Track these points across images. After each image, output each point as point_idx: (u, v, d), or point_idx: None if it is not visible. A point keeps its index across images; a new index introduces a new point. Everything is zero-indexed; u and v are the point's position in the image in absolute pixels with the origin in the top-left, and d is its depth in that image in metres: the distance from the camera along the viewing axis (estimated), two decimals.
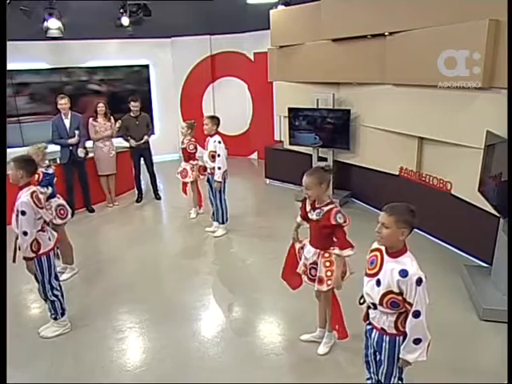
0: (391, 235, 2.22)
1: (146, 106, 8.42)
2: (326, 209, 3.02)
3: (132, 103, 6.80)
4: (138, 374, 3.23)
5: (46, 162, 4.56)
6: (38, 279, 3.56)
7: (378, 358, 2.43)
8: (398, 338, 2.30)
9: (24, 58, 8.47)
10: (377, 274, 2.29)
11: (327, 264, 3.10)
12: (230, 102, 9.92)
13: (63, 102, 6.25)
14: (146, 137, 6.88)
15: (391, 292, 2.22)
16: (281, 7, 7.55)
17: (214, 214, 5.78)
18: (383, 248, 2.32)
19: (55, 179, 4.57)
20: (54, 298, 3.64)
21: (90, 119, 6.71)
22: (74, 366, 3.34)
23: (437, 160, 5.22)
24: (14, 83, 8.74)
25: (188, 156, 6.22)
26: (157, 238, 5.98)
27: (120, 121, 6.83)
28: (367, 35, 5.65)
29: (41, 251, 3.46)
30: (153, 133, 7.07)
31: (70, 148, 6.31)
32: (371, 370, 2.54)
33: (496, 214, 3.96)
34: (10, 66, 6.43)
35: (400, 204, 2.28)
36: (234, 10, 8.62)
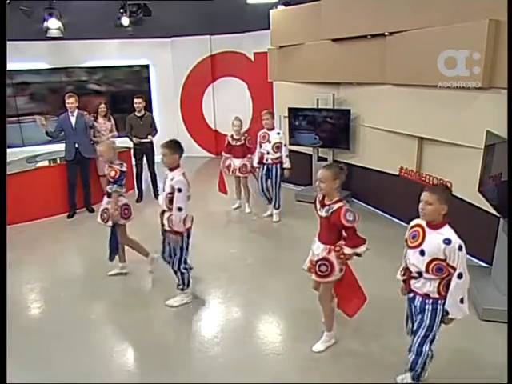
0: (434, 211, 2.58)
1: (146, 106, 8.40)
2: (335, 207, 3.10)
3: (135, 99, 6.83)
4: (137, 373, 3.23)
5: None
6: (175, 252, 3.91)
7: (417, 321, 2.73)
8: (439, 301, 2.65)
9: (24, 58, 8.47)
10: (420, 245, 2.63)
11: (341, 256, 3.16)
12: (230, 102, 9.92)
13: (71, 101, 6.31)
14: (150, 136, 6.89)
15: (436, 259, 2.57)
16: (281, 7, 7.54)
17: (269, 200, 6.27)
18: (423, 223, 2.66)
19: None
20: (184, 271, 4.00)
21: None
22: (74, 365, 3.34)
23: (437, 160, 5.22)
24: (14, 83, 8.75)
25: (244, 152, 6.25)
26: (157, 238, 5.97)
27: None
28: (367, 35, 5.65)
29: (187, 226, 3.84)
30: (157, 132, 7.08)
31: (76, 146, 6.33)
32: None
33: (496, 213, 3.96)
34: (10, 66, 6.44)
35: (441, 186, 2.80)
36: (234, 9, 8.61)
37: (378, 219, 6.03)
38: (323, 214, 3.16)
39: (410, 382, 2.89)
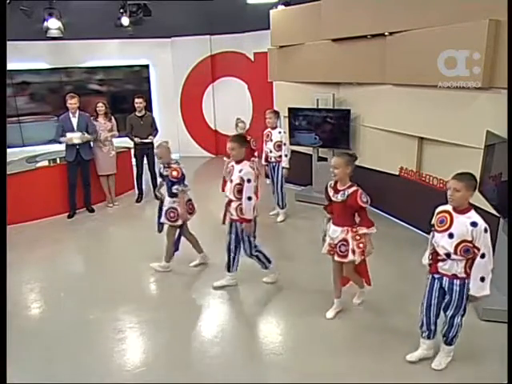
0: (462, 197, 2.80)
1: (146, 106, 8.40)
2: (350, 190, 3.42)
3: (136, 99, 6.84)
4: (137, 373, 3.23)
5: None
6: (244, 239, 4.13)
7: (446, 300, 3.00)
8: (466, 280, 2.89)
9: (24, 58, 8.48)
10: (448, 228, 2.86)
11: (357, 238, 3.50)
12: (230, 102, 9.92)
13: (73, 102, 6.31)
14: (150, 136, 6.89)
15: (464, 241, 2.80)
16: (281, 7, 7.54)
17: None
18: (450, 208, 2.89)
19: None
20: (257, 253, 4.22)
21: (91, 119, 6.72)
22: (74, 366, 3.34)
23: (437, 160, 5.22)
24: (14, 83, 8.75)
25: (249, 154, 5.85)
26: (157, 237, 5.97)
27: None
28: (367, 35, 5.64)
29: (255, 214, 4.05)
30: (157, 132, 7.08)
31: (77, 147, 6.33)
32: (430, 316, 3.07)
33: (496, 213, 3.96)
34: (10, 65, 6.43)
35: (466, 173, 2.85)
36: (234, 9, 8.61)
37: (378, 219, 5.97)
38: (338, 198, 3.46)
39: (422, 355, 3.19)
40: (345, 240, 3.51)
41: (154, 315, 3.96)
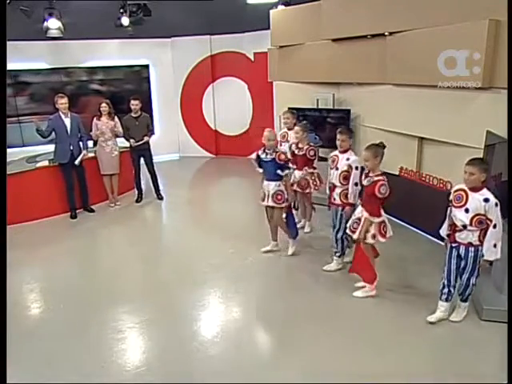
0: (476, 179, 3.29)
1: (146, 106, 8.41)
2: (375, 178, 3.81)
3: (132, 101, 6.81)
4: (138, 373, 3.23)
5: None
6: (340, 222, 4.43)
7: (462, 265, 3.50)
8: (479, 247, 3.39)
9: (24, 58, 8.46)
10: (464, 204, 3.35)
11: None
12: (229, 102, 9.92)
13: (64, 102, 6.27)
14: (146, 137, 6.88)
15: (478, 214, 3.30)
16: (281, 7, 7.54)
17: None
18: (465, 188, 3.37)
19: None
20: (343, 239, 4.52)
21: (94, 118, 6.71)
22: (74, 366, 3.34)
23: (437, 160, 5.22)
24: (14, 83, 8.74)
25: (305, 162, 5.46)
26: (157, 238, 5.98)
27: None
28: (367, 35, 5.64)
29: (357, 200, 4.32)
30: (153, 133, 7.06)
31: (71, 148, 6.31)
32: (451, 279, 3.58)
33: None
34: (10, 65, 6.44)
35: (478, 158, 3.44)
36: (234, 10, 8.61)
37: None
38: (365, 182, 3.90)
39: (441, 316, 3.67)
40: (359, 219, 3.97)
41: (154, 315, 3.96)
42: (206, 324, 3.88)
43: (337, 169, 4.37)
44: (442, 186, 5.12)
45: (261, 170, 4.88)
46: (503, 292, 3.75)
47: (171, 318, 3.94)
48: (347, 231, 4.18)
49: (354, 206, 4.28)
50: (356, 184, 4.22)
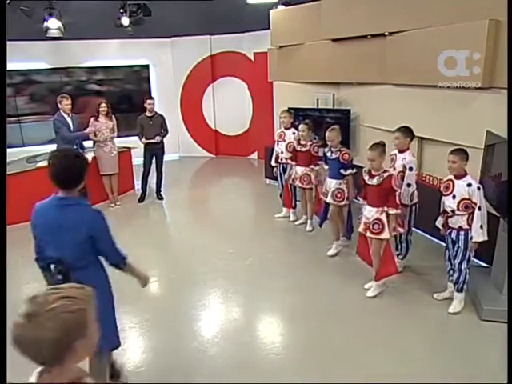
0: (459, 166, 3.59)
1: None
2: (385, 175, 3.89)
3: (148, 101, 6.90)
4: (138, 373, 3.23)
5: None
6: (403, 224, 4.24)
7: (455, 248, 3.72)
8: (468, 231, 3.62)
9: (24, 58, 8.46)
10: (451, 192, 3.64)
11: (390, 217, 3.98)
12: (230, 102, 9.92)
13: (68, 103, 6.33)
14: (157, 137, 6.89)
15: (464, 199, 3.57)
16: (281, 7, 7.54)
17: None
18: (452, 177, 3.66)
19: None
20: (407, 242, 4.48)
21: (92, 119, 6.71)
22: None
23: (437, 160, 5.21)
24: (14, 83, 8.74)
25: (310, 159, 5.53)
26: (157, 238, 5.98)
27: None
28: (367, 35, 5.65)
29: (414, 201, 4.35)
30: (167, 133, 7.09)
31: (75, 146, 6.32)
32: (451, 262, 3.81)
33: (496, 214, 3.96)
34: (9, 66, 6.44)
35: (459, 148, 3.68)
36: (234, 10, 8.61)
37: None
38: (374, 182, 3.93)
39: (447, 295, 3.91)
40: (378, 219, 3.94)
41: (154, 315, 3.96)
42: (206, 324, 3.88)
43: (394, 169, 4.30)
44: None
45: (326, 167, 5.10)
46: (503, 292, 3.76)
47: (171, 318, 3.94)
48: (369, 234, 4.03)
49: (407, 207, 4.28)
50: (408, 185, 4.23)
